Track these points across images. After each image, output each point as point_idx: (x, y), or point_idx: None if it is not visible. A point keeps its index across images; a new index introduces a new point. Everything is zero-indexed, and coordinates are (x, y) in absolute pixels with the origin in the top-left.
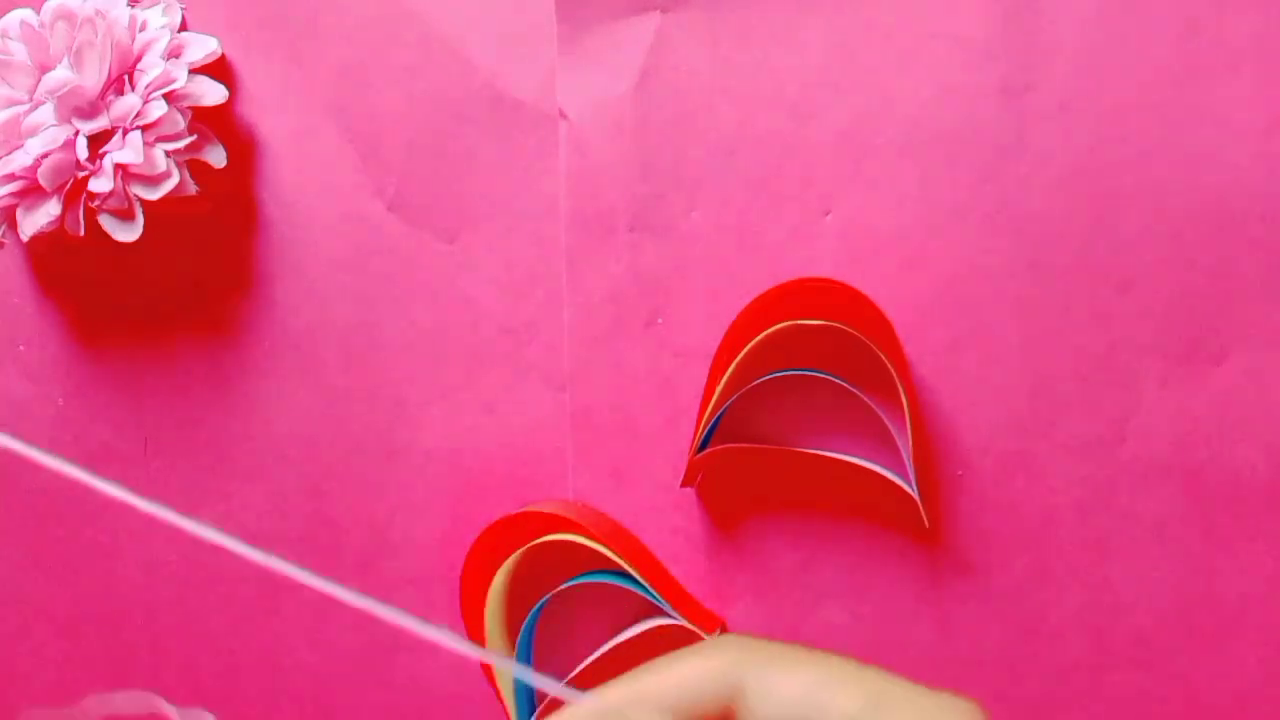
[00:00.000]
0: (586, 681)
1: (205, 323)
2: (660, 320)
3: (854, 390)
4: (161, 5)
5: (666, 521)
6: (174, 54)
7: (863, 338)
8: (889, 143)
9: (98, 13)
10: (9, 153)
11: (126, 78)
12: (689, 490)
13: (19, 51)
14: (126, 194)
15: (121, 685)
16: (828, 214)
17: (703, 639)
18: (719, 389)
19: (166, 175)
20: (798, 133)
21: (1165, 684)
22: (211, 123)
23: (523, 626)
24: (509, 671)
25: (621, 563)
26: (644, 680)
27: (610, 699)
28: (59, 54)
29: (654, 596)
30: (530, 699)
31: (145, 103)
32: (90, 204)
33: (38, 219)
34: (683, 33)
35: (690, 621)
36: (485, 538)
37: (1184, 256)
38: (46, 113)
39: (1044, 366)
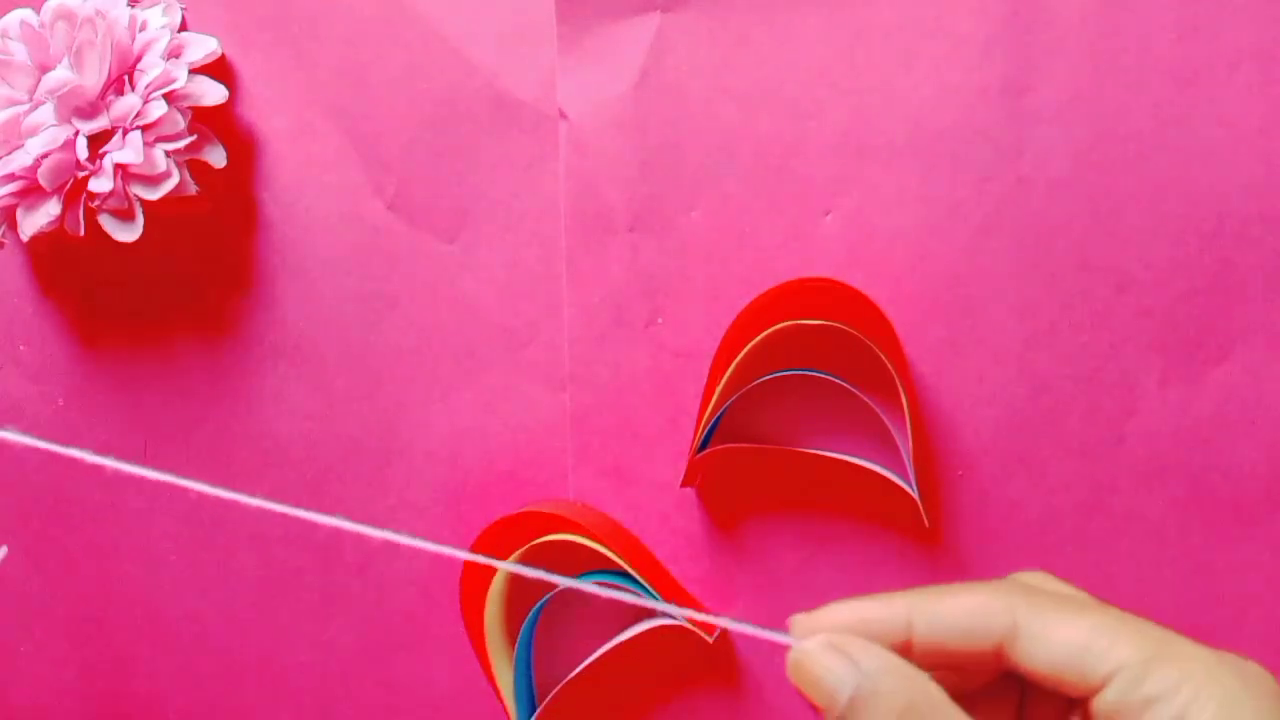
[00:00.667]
0: (587, 682)
1: (205, 323)
2: (660, 320)
3: (854, 390)
4: (161, 5)
5: (666, 521)
6: (174, 54)
7: (863, 338)
8: (889, 143)
9: (98, 13)
10: (9, 153)
11: (126, 78)
12: (689, 490)
13: (19, 51)
14: (126, 194)
15: (122, 685)
16: (828, 214)
17: (706, 640)
18: (719, 389)
19: (166, 175)
20: (798, 133)
21: None
22: (211, 123)
23: (523, 626)
24: (508, 673)
25: (621, 563)
26: (922, 600)
27: (892, 606)
28: (59, 54)
29: (654, 596)
30: (530, 699)
31: (145, 103)
32: (90, 204)
33: (38, 219)
34: (683, 33)
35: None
36: (485, 537)
37: (1184, 256)
38: (46, 113)
39: (1044, 366)
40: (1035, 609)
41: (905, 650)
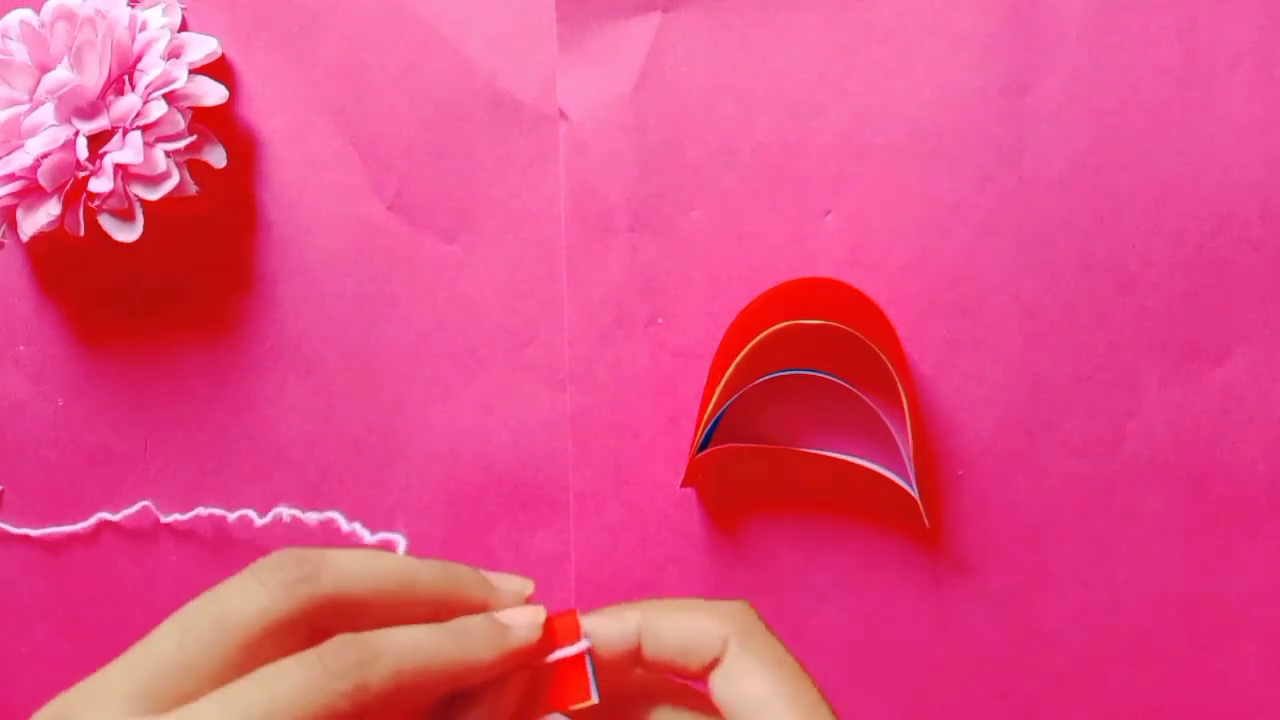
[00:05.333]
0: None
1: (205, 323)
2: (660, 320)
3: (854, 390)
4: (161, 5)
5: (666, 521)
6: (174, 54)
7: (863, 338)
8: (889, 143)
9: (98, 13)
10: (9, 153)
11: (126, 78)
12: (689, 490)
13: (19, 51)
14: (126, 194)
15: None
16: (828, 214)
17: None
18: (719, 389)
19: (166, 175)
20: (798, 133)
21: (1165, 684)
22: (211, 123)
23: None
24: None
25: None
26: (651, 614)
27: (623, 621)
28: (59, 54)
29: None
30: None
31: (145, 103)
32: (90, 204)
33: (38, 219)
34: (683, 33)
35: None
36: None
37: (1184, 256)
38: (46, 113)
39: (1044, 366)
40: (743, 648)
41: (637, 659)
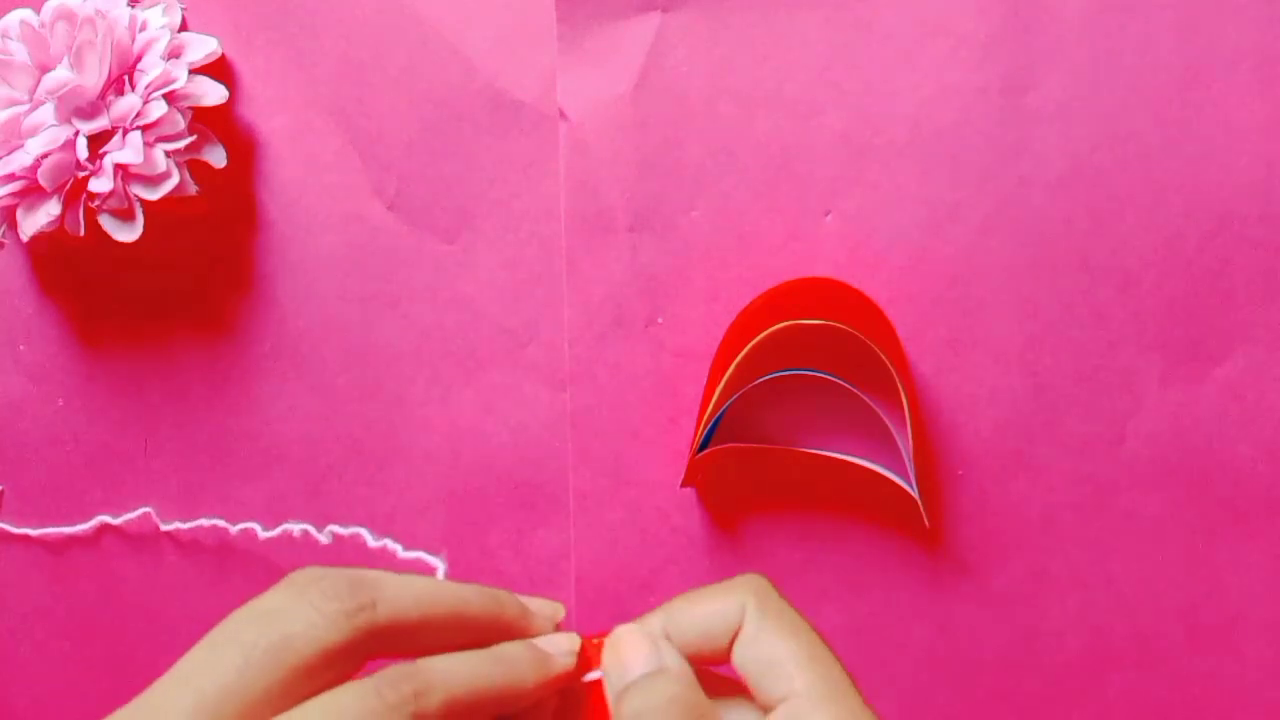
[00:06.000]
0: None
1: (205, 323)
2: (660, 320)
3: (854, 390)
4: (161, 5)
5: (666, 521)
6: (174, 54)
7: (863, 338)
8: (889, 143)
9: (98, 13)
10: (9, 153)
11: (126, 78)
12: (689, 490)
13: (19, 51)
14: (126, 194)
15: (121, 685)
16: (828, 214)
17: None
18: (719, 389)
19: (166, 175)
20: (798, 133)
21: (1165, 684)
22: (211, 123)
23: None
24: None
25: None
26: (672, 611)
27: (649, 625)
28: (59, 54)
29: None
30: None
31: (145, 103)
32: (90, 204)
33: (38, 219)
34: (683, 33)
35: None
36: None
37: (1184, 256)
38: (46, 113)
39: (1044, 366)
40: (760, 612)
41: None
